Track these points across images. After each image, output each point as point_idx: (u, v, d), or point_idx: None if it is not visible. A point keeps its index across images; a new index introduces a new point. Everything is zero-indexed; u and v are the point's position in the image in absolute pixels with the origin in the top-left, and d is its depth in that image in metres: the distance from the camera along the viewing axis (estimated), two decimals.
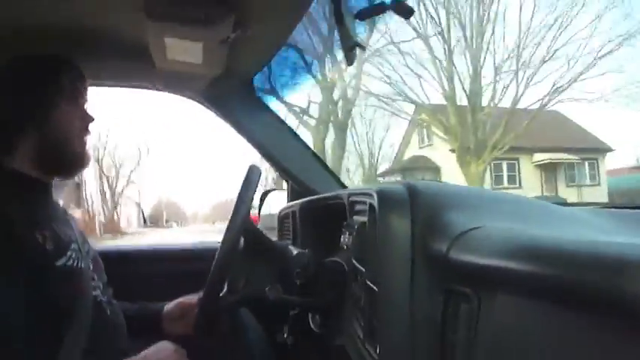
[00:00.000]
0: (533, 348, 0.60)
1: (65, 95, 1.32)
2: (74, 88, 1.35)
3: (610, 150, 24.03)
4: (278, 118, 1.98)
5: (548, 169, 22.96)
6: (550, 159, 22.41)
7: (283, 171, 2.02)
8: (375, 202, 0.95)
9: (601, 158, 23.76)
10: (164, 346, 1.25)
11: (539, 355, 0.59)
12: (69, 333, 1.13)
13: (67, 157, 1.32)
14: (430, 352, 0.81)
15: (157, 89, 1.94)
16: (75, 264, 1.21)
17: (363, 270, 1.03)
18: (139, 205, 43.04)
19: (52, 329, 1.12)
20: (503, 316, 0.65)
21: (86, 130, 1.36)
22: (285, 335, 1.41)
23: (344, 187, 1.94)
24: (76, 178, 17.54)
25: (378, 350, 0.89)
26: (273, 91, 2.16)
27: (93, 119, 1.38)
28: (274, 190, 2.31)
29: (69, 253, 1.21)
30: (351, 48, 1.13)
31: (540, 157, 22.59)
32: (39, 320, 1.09)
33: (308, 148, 2.01)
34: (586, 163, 23.27)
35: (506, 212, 0.90)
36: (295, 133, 2.01)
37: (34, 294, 1.09)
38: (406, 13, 1.06)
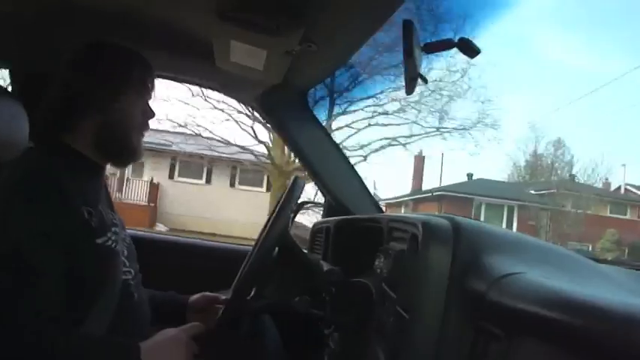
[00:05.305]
0: None
1: (133, 87, 1.33)
2: (142, 81, 1.36)
3: None
4: (326, 133, 2.00)
5: None
6: None
7: (323, 186, 2.03)
8: (420, 233, 0.96)
9: None
10: (178, 337, 1.17)
11: None
12: (94, 310, 1.16)
13: (122, 147, 1.34)
14: None
15: (214, 89, 1.99)
16: (113, 245, 1.25)
17: (394, 296, 1.04)
18: None
19: (79, 303, 1.14)
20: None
21: (146, 125, 1.38)
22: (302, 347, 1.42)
23: (381, 211, 1.95)
24: None
25: None
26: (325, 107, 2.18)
27: (154, 115, 1.40)
28: (311, 203, 2.32)
29: (109, 235, 1.24)
30: (413, 78, 1.14)
31: None
32: (69, 292, 1.11)
33: (351, 167, 2.02)
34: None
35: (542, 260, 0.92)
36: (341, 151, 2.02)
37: (71, 264, 1.12)
38: (471, 52, 1.08)
